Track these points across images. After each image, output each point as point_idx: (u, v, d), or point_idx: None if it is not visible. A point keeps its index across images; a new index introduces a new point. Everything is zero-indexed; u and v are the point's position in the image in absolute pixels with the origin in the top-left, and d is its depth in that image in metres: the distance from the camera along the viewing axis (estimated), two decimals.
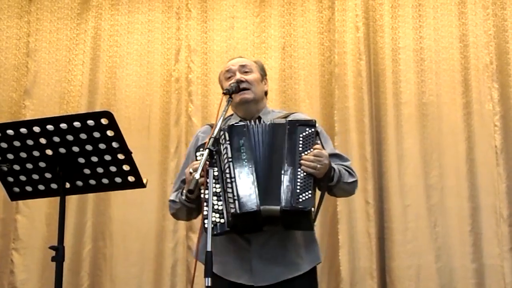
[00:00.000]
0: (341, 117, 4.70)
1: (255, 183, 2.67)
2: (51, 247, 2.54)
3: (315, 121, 2.82)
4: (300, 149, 2.72)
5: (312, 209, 2.66)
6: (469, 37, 4.73)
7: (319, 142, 2.78)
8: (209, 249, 2.38)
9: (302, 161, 2.68)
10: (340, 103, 4.73)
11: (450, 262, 4.49)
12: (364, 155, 4.61)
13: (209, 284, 2.35)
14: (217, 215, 2.63)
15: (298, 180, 2.67)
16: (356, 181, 2.92)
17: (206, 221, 2.60)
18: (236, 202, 2.62)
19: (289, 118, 2.90)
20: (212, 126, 3.01)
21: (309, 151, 2.71)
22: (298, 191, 2.65)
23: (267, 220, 2.68)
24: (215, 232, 2.60)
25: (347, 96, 4.72)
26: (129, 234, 4.76)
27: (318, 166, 2.68)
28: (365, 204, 4.55)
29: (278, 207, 2.64)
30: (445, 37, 4.77)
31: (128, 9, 5.06)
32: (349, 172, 2.89)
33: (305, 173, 2.67)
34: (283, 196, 2.65)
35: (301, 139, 2.74)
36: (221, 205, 2.65)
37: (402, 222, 4.55)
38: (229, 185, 2.65)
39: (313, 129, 2.77)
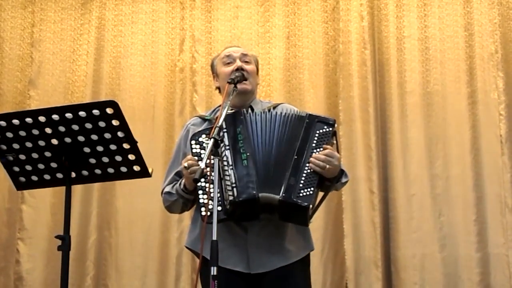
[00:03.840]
0: (346, 107, 4.70)
1: (254, 171, 2.66)
2: (57, 237, 2.54)
3: (335, 120, 2.80)
4: (313, 145, 2.71)
5: (310, 206, 2.65)
6: (474, 26, 4.71)
7: (334, 142, 2.77)
8: (214, 238, 2.37)
9: (311, 159, 2.68)
10: (345, 93, 4.72)
11: (455, 251, 4.49)
12: (369, 145, 4.61)
13: (215, 273, 2.35)
14: (212, 202, 2.63)
15: (304, 174, 2.66)
16: (347, 181, 2.92)
17: (202, 209, 2.62)
18: (235, 189, 2.62)
19: (279, 110, 2.88)
20: (202, 118, 3.02)
21: (321, 149, 2.70)
22: (300, 185, 2.65)
23: (264, 208, 2.68)
24: (211, 220, 2.58)
25: (352, 85, 4.72)
26: (134, 223, 4.77)
27: (327, 166, 2.67)
28: (370, 193, 4.56)
29: (277, 196, 2.64)
30: (450, 26, 4.75)
31: None
32: (344, 173, 2.87)
33: (311, 170, 2.67)
34: (284, 187, 2.65)
35: (316, 135, 2.73)
36: (218, 192, 2.64)
37: (407, 211, 4.55)
38: (227, 172, 2.65)
39: (331, 128, 2.75)
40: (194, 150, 2.76)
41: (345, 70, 4.76)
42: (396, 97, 4.71)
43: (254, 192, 2.62)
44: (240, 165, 2.67)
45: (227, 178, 2.64)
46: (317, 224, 4.47)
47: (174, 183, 2.92)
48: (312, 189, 2.65)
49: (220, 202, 2.64)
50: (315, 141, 2.72)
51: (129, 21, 5.04)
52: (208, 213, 2.56)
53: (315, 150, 2.70)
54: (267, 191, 2.65)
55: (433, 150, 4.63)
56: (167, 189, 2.93)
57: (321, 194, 2.80)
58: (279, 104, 3.07)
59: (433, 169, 4.60)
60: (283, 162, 2.70)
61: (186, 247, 2.97)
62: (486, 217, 4.49)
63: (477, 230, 4.49)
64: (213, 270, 2.35)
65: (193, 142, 2.78)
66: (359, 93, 4.70)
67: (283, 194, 2.63)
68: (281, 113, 2.80)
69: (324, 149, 2.70)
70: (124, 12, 5.05)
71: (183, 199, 2.85)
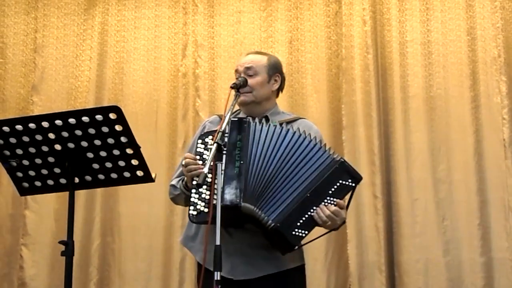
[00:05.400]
0: (349, 111, 4.70)
1: (243, 180, 2.66)
2: (61, 242, 2.54)
3: (361, 178, 2.79)
4: (330, 192, 2.70)
5: (296, 247, 2.68)
6: (477, 30, 4.70)
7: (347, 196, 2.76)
8: (218, 243, 2.38)
9: (318, 209, 2.66)
10: (348, 97, 4.72)
11: (459, 256, 4.48)
12: (372, 149, 4.60)
13: (219, 278, 2.36)
14: (203, 203, 2.65)
15: (306, 215, 2.67)
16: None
17: (191, 208, 2.65)
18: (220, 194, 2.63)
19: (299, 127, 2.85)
20: (220, 117, 3.01)
21: (335, 199, 2.70)
22: (299, 224, 2.65)
23: (250, 219, 2.68)
24: (196, 220, 2.65)
25: (355, 90, 4.72)
26: (138, 229, 4.77)
27: (328, 223, 2.68)
28: (373, 198, 4.55)
29: (267, 218, 2.64)
30: (452, 30, 4.75)
31: (135, 4, 5.06)
32: None
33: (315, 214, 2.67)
34: (285, 217, 2.64)
35: (338, 184, 2.72)
36: (209, 194, 2.64)
37: (410, 216, 4.54)
38: (217, 177, 2.64)
39: (353, 184, 2.74)
40: (198, 150, 2.78)
41: (348, 75, 4.75)
42: (399, 101, 4.70)
43: (238, 200, 2.63)
44: (231, 171, 2.67)
45: (216, 182, 2.64)
46: (320, 229, 4.46)
47: (181, 178, 2.92)
48: (306, 232, 2.67)
49: (207, 205, 2.64)
50: (333, 189, 2.71)
51: (132, 27, 5.04)
52: (195, 212, 2.64)
53: (328, 198, 2.69)
54: (253, 204, 2.65)
55: (436, 155, 4.62)
56: (173, 182, 2.96)
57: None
58: (298, 119, 3.04)
59: (437, 174, 4.59)
60: (284, 184, 2.70)
61: (180, 242, 3.01)
62: (489, 221, 4.48)
63: (480, 234, 4.48)
64: (217, 275, 2.36)
65: (199, 141, 2.80)
66: (362, 97, 4.69)
67: (279, 224, 2.63)
68: (294, 131, 2.78)
69: (337, 204, 2.69)
70: (127, 17, 5.05)
71: (185, 195, 2.86)
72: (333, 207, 2.68)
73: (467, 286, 4.43)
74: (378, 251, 4.49)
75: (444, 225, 4.53)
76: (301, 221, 2.65)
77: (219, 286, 2.37)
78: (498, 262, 4.42)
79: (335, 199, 2.70)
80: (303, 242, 2.73)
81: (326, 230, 2.79)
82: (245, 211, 2.64)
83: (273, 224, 2.63)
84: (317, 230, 2.77)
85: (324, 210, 2.67)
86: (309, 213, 2.67)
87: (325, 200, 2.69)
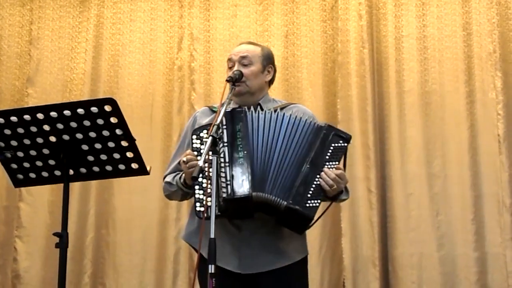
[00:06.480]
0: (344, 106, 4.70)
1: (249, 169, 2.66)
2: (55, 234, 2.54)
3: (351, 137, 2.81)
4: (327, 157, 2.72)
5: (314, 221, 2.69)
6: (473, 26, 4.71)
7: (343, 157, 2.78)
8: (212, 236, 2.38)
9: (322, 174, 2.68)
10: (343, 92, 4.72)
11: (453, 250, 4.49)
12: (367, 144, 4.61)
13: (213, 271, 2.35)
14: (209, 198, 2.63)
15: (313, 185, 2.68)
16: (347, 199, 2.93)
17: (197, 204, 2.65)
18: (229, 187, 2.63)
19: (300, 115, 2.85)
20: (210, 109, 3.01)
21: (334, 163, 2.71)
22: (308, 195, 2.66)
23: (260, 207, 2.68)
24: (207, 216, 2.60)
25: (350, 84, 4.72)
26: (132, 222, 4.77)
27: (335, 186, 2.68)
28: (368, 192, 4.56)
29: (281, 200, 2.65)
30: (448, 26, 4.75)
31: None
32: (346, 190, 2.86)
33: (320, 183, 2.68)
34: (293, 194, 2.66)
35: (331, 148, 2.73)
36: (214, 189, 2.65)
37: (405, 210, 4.55)
38: (223, 170, 2.65)
39: (346, 144, 2.76)
40: (194, 145, 2.77)
41: (344, 69, 4.75)
42: (394, 96, 4.71)
43: (247, 190, 2.62)
44: (236, 162, 2.67)
45: (223, 175, 2.64)
46: (321, 209, 4.47)
47: (175, 174, 2.92)
48: (318, 201, 2.67)
49: (215, 199, 2.64)
50: (329, 154, 2.72)
51: (128, 19, 5.04)
52: (202, 209, 2.62)
53: (327, 163, 2.71)
54: (264, 191, 2.66)
55: (431, 149, 4.63)
56: (168, 178, 2.94)
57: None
58: (291, 104, 3.06)
59: (431, 168, 4.60)
60: (289, 166, 2.71)
61: (183, 239, 2.99)
62: (483, 216, 4.49)
63: (474, 229, 4.49)
64: (211, 268, 2.36)
65: (194, 136, 2.78)
66: (358, 92, 4.70)
67: (291, 201, 2.64)
68: (290, 115, 2.79)
69: (337, 168, 2.71)
70: (122, 10, 5.04)
71: (182, 191, 2.86)
72: (337, 171, 2.70)
73: (460, 281, 4.45)
74: (372, 245, 4.50)
75: (438, 220, 4.54)
76: (310, 191, 2.66)
77: (213, 280, 2.36)
78: (492, 257, 4.43)
79: (334, 163, 2.71)
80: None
81: (324, 213, 2.80)
82: (256, 200, 2.64)
83: (285, 203, 2.64)
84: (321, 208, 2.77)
85: (329, 173, 2.68)
86: (315, 182, 2.68)
87: (325, 166, 2.70)
